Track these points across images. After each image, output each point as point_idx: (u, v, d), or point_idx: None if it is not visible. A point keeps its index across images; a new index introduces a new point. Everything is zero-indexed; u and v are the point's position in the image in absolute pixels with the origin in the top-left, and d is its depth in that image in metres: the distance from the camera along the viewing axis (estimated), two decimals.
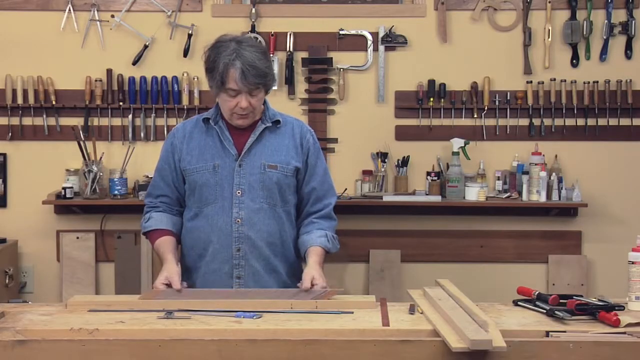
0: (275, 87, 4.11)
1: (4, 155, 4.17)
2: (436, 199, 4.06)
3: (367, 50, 4.18)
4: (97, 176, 4.02)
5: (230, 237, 2.70)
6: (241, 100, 2.62)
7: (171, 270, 2.63)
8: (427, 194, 4.10)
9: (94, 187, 4.02)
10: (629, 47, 4.17)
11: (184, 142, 2.77)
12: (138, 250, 4.17)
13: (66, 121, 4.15)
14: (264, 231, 2.71)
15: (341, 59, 4.18)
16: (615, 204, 4.23)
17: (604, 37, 4.16)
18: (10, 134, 4.13)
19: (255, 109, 2.68)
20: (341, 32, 4.17)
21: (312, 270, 2.62)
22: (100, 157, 4.07)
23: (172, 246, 2.76)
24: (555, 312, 2.26)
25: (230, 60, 2.59)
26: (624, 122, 4.17)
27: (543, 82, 4.16)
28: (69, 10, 4.11)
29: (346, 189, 4.12)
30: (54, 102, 4.12)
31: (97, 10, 4.13)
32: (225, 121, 2.74)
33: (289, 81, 4.16)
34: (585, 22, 4.15)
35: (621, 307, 2.32)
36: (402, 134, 4.21)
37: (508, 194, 4.10)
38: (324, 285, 2.58)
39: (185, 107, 4.13)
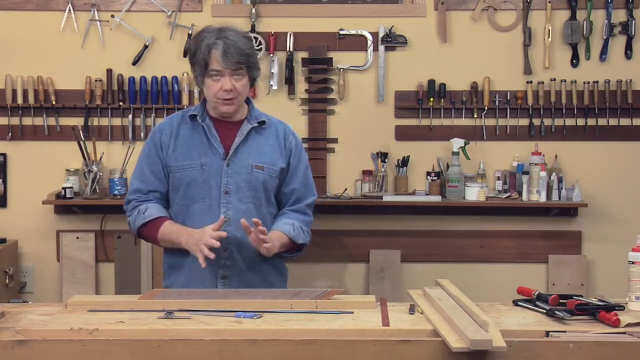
0: (275, 87, 4.12)
1: (4, 155, 4.17)
2: (436, 199, 4.05)
3: (367, 50, 4.18)
4: (97, 176, 4.02)
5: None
6: (225, 82, 2.61)
7: (203, 228, 2.59)
8: (427, 194, 4.10)
9: (94, 187, 4.02)
10: (629, 47, 4.17)
11: (171, 138, 2.73)
12: (138, 250, 4.16)
13: (66, 121, 4.15)
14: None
15: (341, 59, 4.18)
16: (615, 204, 4.22)
17: (604, 37, 4.16)
18: (10, 134, 4.13)
19: (241, 95, 2.66)
20: (341, 32, 4.17)
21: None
22: (100, 157, 4.07)
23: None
24: (555, 312, 2.26)
25: (213, 41, 2.59)
26: (624, 122, 4.17)
27: (543, 82, 4.16)
28: (69, 10, 4.11)
29: (346, 189, 4.12)
30: (54, 102, 4.12)
31: (97, 10, 4.12)
32: (211, 119, 2.72)
33: (289, 81, 4.15)
34: (585, 22, 4.14)
35: (621, 307, 2.32)
36: (402, 134, 4.21)
37: (508, 194, 4.09)
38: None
39: (185, 107, 4.13)
